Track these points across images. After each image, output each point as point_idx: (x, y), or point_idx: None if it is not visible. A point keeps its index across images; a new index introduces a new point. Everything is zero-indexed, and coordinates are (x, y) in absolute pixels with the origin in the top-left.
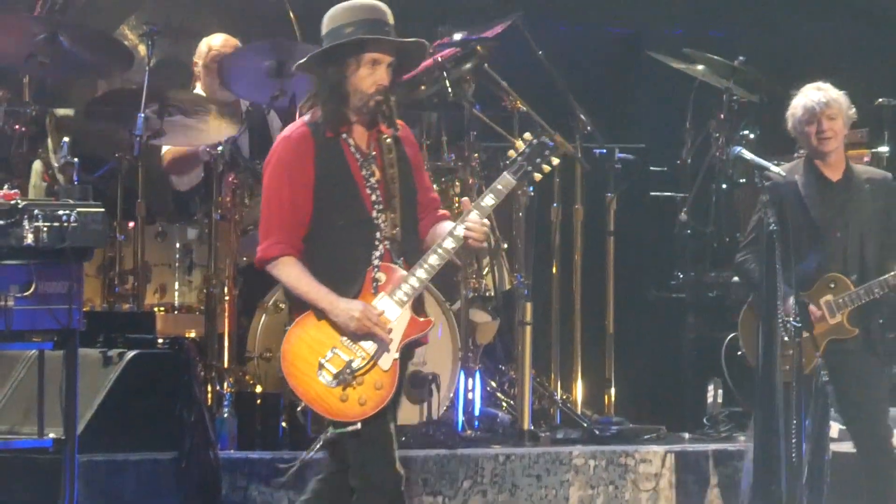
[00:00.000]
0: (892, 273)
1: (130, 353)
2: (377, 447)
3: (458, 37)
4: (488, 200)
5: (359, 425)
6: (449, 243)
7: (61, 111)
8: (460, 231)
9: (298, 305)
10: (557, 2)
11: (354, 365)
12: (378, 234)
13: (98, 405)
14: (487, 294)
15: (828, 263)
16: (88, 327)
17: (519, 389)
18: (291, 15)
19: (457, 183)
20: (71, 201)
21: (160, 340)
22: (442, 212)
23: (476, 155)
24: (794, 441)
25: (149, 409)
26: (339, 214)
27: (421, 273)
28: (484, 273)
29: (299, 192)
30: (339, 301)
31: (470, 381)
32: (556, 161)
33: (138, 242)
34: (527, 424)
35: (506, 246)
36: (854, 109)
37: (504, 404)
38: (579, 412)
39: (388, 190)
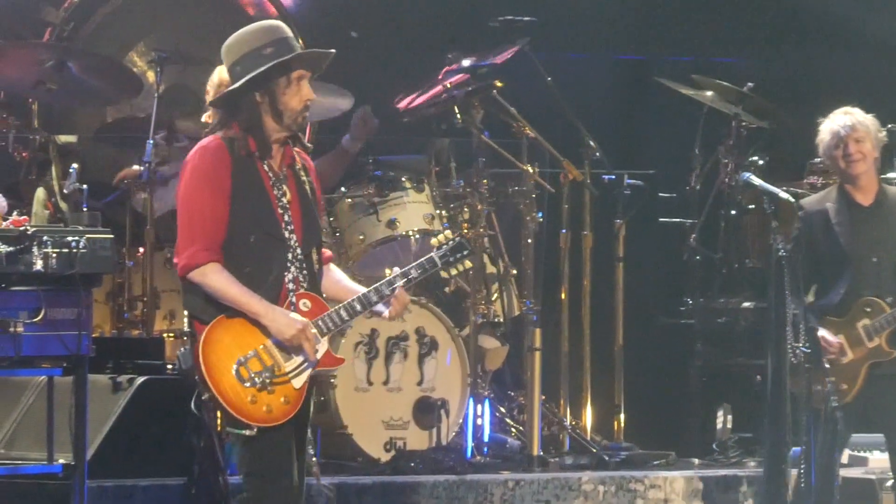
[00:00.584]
0: None
1: (140, 379)
2: (273, 460)
3: (466, 63)
4: (413, 273)
5: (255, 430)
6: (374, 297)
7: (63, 138)
8: (386, 291)
9: (208, 314)
10: (566, 29)
11: (272, 372)
12: (290, 255)
13: (107, 431)
14: (496, 320)
15: (862, 288)
16: (98, 353)
17: (528, 415)
18: (300, 42)
19: (465, 209)
20: (80, 227)
21: (169, 366)
22: (328, 254)
23: (485, 181)
24: (802, 466)
25: (158, 434)
26: (251, 229)
27: (343, 313)
28: (493, 299)
29: (218, 200)
30: (276, 308)
31: (479, 406)
32: (468, 264)
33: (147, 269)
34: (536, 450)
35: (515, 272)
36: (885, 132)
37: (513, 430)
38: (588, 438)
39: (300, 212)
